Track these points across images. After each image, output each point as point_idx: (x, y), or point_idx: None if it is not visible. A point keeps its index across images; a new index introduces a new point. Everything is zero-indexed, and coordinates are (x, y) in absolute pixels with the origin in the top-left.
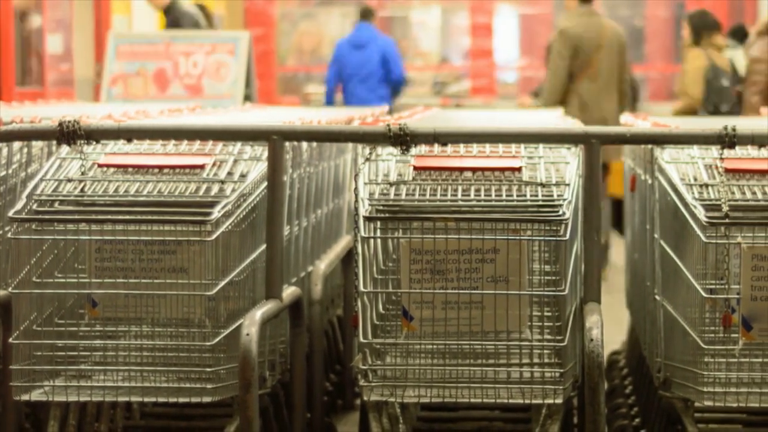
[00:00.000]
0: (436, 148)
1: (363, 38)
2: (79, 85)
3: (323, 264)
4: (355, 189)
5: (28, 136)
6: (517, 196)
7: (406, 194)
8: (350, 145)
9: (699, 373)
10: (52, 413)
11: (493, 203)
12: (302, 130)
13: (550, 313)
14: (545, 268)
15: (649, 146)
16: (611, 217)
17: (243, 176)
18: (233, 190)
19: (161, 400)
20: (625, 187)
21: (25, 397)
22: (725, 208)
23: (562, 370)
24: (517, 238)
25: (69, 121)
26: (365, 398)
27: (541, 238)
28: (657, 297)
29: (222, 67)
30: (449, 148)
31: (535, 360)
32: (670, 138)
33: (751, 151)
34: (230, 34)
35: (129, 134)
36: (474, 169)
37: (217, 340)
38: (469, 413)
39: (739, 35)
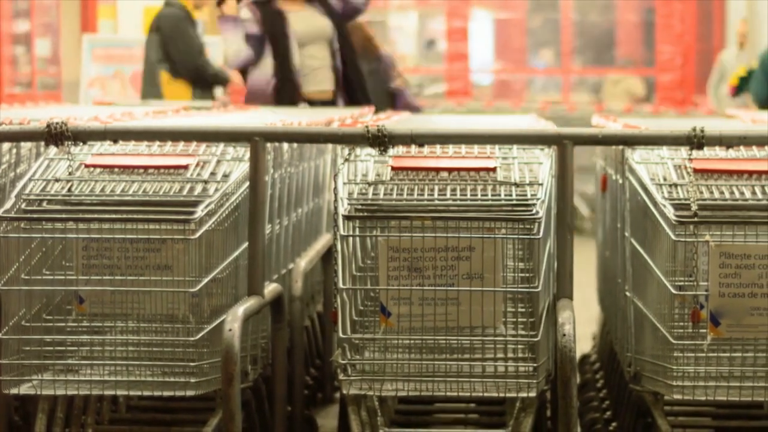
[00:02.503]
0: (413, 149)
1: None
2: (66, 88)
3: (304, 261)
4: (335, 189)
5: (16, 137)
6: (492, 195)
7: (384, 194)
8: (330, 146)
9: (668, 367)
10: (40, 406)
11: (469, 202)
12: (283, 132)
13: (523, 309)
14: (519, 266)
15: (620, 147)
16: None
17: (226, 176)
18: (216, 190)
19: (146, 393)
20: (597, 186)
21: (14, 391)
22: (694, 207)
23: (535, 365)
24: (492, 236)
25: (57, 123)
26: (344, 392)
27: (515, 236)
28: (628, 293)
29: None
30: (426, 149)
31: (510, 354)
32: (641, 139)
33: (719, 151)
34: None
35: (115, 135)
36: (450, 170)
37: (200, 335)
38: (445, 406)
39: None
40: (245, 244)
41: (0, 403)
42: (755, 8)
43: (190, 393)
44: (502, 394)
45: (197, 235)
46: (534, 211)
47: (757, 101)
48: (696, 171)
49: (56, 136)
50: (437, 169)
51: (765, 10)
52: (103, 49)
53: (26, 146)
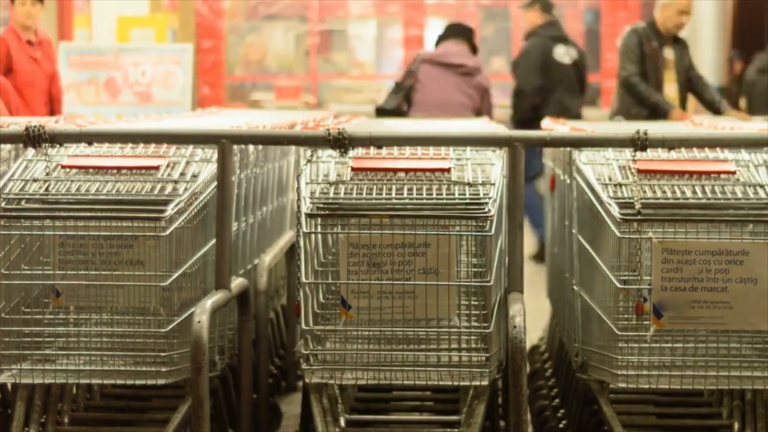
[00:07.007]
0: (372, 150)
1: None
2: None
3: (268, 257)
4: (298, 188)
5: None
6: (447, 194)
7: (345, 193)
8: (293, 147)
9: (614, 357)
10: (19, 394)
11: (425, 201)
12: (249, 134)
13: (476, 302)
14: (472, 261)
15: (568, 149)
16: None
17: (195, 176)
18: (186, 189)
19: (119, 382)
20: (546, 186)
21: None
22: (638, 206)
23: (487, 355)
24: (447, 233)
25: (35, 126)
26: (307, 380)
27: (469, 233)
28: (575, 287)
29: (170, 76)
30: (384, 151)
31: (463, 345)
32: (588, 141)
33: (662, 153)
34: (176, 46)
35: (90, 138)
36: (407, 170)
37: (170, 327)
38: (402, 394)
39: None
40: (213, 241)
41: None
42: (697, 11)
43: (161, 381)
44: (456, 383)
45: (168, 232)
46: (486, 210)
47: None
48: (639, 171)
49: (34, 138)
50: (395, 170)
51: (707, 13)
52: (78, 56)
53: (6, 148)
